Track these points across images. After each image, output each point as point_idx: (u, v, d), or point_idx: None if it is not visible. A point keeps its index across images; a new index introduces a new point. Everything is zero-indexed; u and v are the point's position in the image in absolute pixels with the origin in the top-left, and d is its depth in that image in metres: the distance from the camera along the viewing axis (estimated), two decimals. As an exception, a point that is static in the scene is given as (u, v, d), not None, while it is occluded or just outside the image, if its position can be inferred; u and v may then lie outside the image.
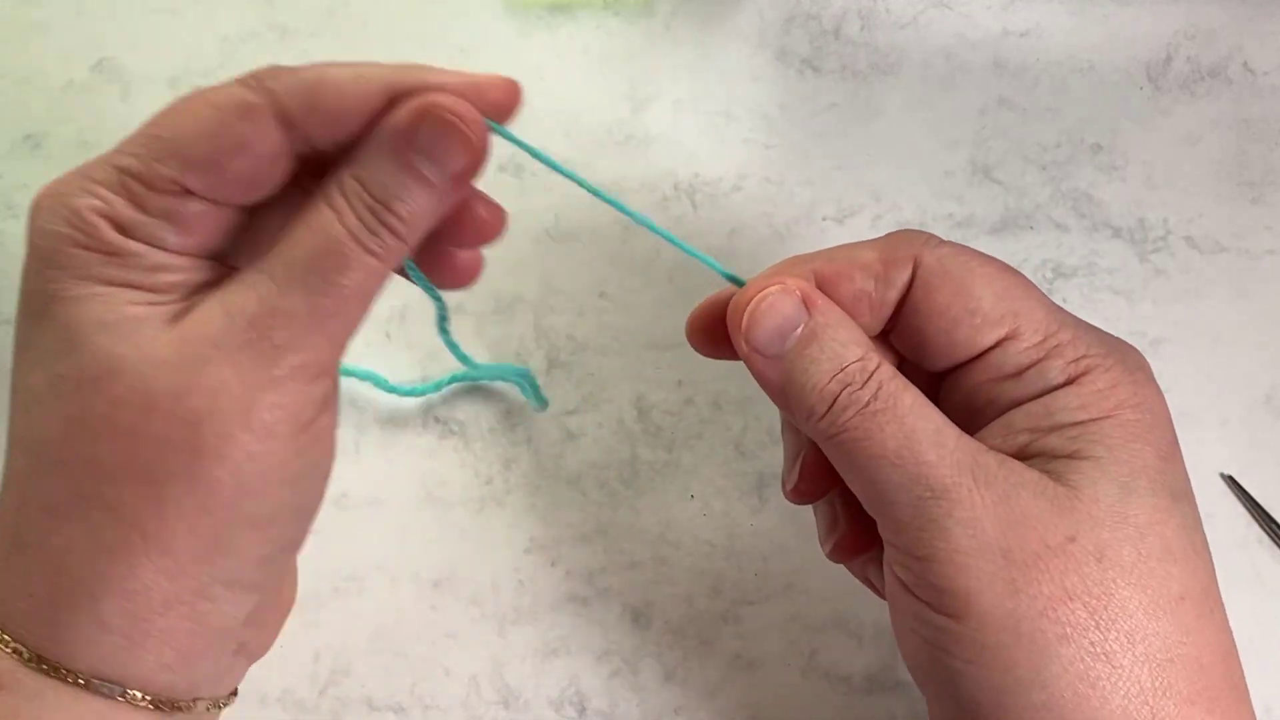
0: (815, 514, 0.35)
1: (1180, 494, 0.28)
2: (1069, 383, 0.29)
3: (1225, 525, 0.40)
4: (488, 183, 0.43)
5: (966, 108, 0.43)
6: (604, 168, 0.43)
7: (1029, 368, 0.29)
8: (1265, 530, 0.40)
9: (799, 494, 0.33)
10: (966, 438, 0.28)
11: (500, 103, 0.28)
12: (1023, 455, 0.28)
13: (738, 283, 0.31)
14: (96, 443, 0.26)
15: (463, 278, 0.32)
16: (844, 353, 0.28)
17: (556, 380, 0.42)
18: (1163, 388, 0.30)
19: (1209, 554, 0.28)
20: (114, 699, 0.27)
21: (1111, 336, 0.30)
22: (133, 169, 0.26)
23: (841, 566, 0.36)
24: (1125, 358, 0.29)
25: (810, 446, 0.32)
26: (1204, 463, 0.41)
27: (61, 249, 0.26)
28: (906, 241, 0.30)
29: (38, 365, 0.27)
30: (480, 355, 0.42)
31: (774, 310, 0.29)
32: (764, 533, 0.41)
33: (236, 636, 0.29)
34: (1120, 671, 0.26)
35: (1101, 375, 0.29)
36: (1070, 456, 0.28)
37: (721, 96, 0.44)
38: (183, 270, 0.27)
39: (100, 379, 0.26)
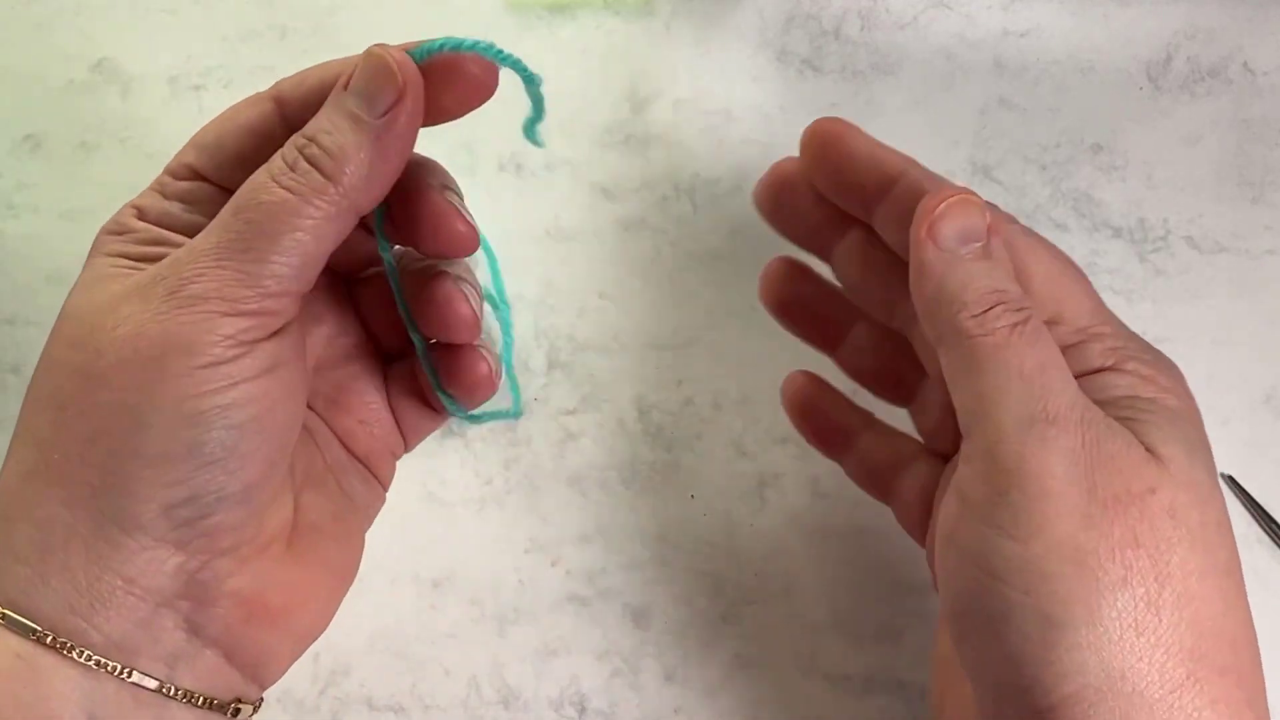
0: None
1: (1217, 483, 0.30)
2: (1111, 368, 0.30)
3: (1225, 525, 0.40)
4: (487, 182, 0.43)
5: (966, 108, 0.43)
6: (604, 168, 0.43)
7: (1067, 350, 0.30)
8: (1265, 530, 0.40)
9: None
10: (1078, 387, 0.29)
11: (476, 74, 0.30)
12: None
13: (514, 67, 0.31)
14: (43, 377, 0.29)
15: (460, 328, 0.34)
16: (1007, 282, 0.30)
17: (556, 380, 0.42)
18: (1162, 388, 0.30)
19: None
20: (27, 639, 0.27)
21: (1149, 344, 0.31)
22: (168, 166, 0.31)
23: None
24: (1161, 358, 0.31)
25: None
26: (1204, 463, 0.41)
27: (98, 238, 0.30)
28: None
29: None
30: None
31: (968, 214, 0.30)
32: (764, 533, 0.41)
33: (173, 600, 0.28)
34: (1166, 627, 0.26)
35: (1142, 366, 0.30)
36: (1132, 421, 0.29)
37: (721, 96, 0.44)
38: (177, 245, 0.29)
39: (59, 323, 0.29)
